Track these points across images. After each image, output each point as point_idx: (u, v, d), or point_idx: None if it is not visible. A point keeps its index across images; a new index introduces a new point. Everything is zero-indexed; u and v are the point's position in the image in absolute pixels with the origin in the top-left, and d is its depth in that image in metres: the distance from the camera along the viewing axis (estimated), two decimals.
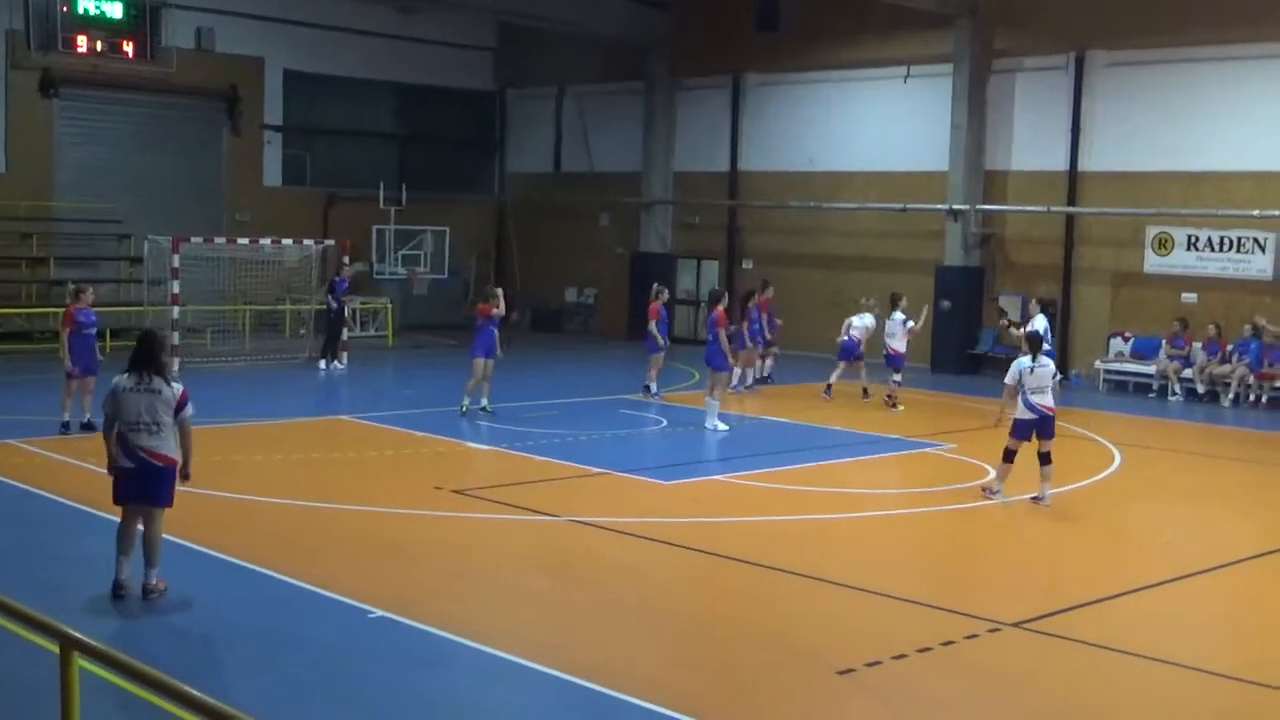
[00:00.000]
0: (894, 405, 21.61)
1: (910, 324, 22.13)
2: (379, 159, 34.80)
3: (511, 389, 21.04)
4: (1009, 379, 14.23)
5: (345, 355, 25.28)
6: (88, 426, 16.21)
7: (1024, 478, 14.35)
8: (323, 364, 24.88)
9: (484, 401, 19.38)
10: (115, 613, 9.87)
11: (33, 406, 18.09)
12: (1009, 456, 14.28)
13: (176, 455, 10.03)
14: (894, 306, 22.31)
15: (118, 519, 10.20)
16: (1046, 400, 14.24)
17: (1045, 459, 14.23)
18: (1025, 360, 14.18)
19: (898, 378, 21.86)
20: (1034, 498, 14.25)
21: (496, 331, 19.41)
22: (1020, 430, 14.26)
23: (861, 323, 22.82)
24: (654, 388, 21.85)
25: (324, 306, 25.78)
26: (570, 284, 35.46)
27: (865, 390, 22.46)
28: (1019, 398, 14.15)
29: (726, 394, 19.95)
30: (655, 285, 22.75)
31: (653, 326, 21.95)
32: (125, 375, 10.02)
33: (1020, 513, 14.13)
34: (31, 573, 10.67)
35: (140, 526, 10.03)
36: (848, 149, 29.55)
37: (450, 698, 8.39)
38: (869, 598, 10.75)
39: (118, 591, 9.92)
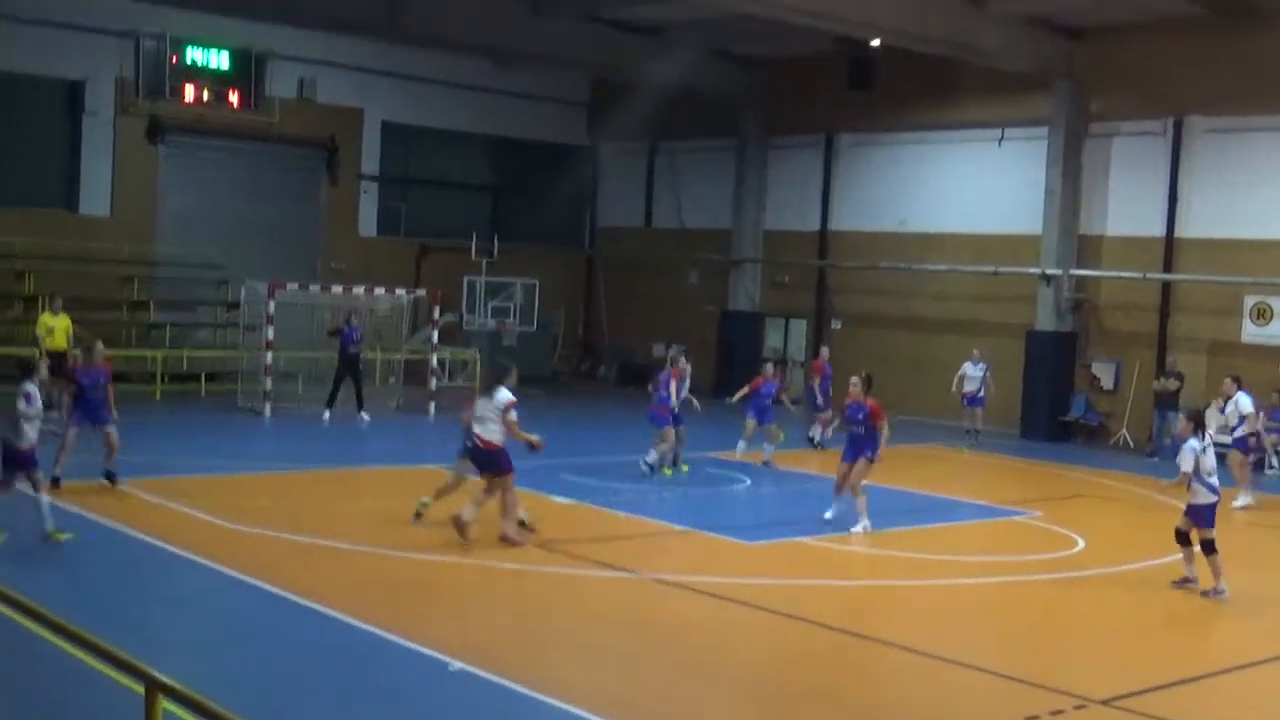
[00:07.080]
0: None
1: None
2: (472, 210, 35.15)
3: (598, 443, 21.05)
4: (1189, 465, 12.90)
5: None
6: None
7: (1123, 550, 14.04)
8: (327, 414, 24.45)
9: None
10: (199, 655, 9.99)
11: (130, 446, 18.41)
12: (1211, 546, 13.03)
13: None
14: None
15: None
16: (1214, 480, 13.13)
17: (1211, 547, 13.10)
18: (1195, 442, 12.99)
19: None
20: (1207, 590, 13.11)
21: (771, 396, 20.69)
22: (1212, 515, 13.09)
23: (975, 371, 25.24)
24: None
25: (415, 356, 25.91)
26: (658, 339, 35.44)
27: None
28: (1194, 481, 13.01)
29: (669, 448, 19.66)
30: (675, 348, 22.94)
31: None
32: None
33: (1111, 583, 13.83)
34: (120, 612, 10.82)
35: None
36: (940, 210, 29.38)
37: None
38: (950, 668, 10.57)
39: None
